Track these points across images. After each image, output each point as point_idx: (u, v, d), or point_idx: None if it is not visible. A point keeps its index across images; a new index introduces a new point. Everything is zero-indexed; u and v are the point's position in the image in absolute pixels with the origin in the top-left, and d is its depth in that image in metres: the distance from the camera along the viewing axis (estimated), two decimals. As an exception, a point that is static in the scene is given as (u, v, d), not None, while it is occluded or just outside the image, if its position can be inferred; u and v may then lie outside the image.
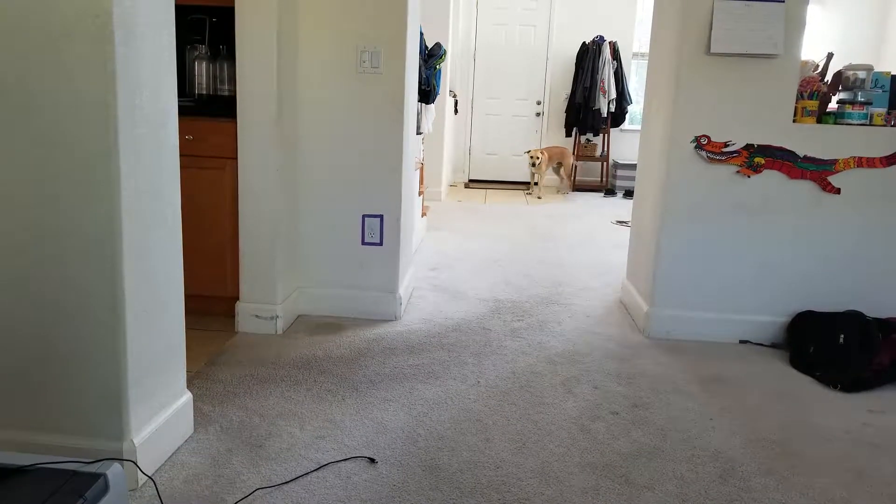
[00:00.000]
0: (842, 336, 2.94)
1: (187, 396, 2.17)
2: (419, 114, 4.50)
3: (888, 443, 2.35)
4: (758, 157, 3.07)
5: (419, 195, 5.09)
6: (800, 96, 3.05)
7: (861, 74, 3.10)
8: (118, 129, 1.73)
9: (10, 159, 1.76)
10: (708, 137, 3.07)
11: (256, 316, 3.07)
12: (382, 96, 3.11)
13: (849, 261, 3.13)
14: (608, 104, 7.80)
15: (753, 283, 3.18)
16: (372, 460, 2.09)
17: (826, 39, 6.33)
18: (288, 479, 1.97)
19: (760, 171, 3.08)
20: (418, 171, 4.96)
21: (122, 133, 1.74)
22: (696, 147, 3.08)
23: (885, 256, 3.12)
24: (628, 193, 7.75)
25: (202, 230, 3.03)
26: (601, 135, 8.17)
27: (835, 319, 3.03)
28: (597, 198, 7.74)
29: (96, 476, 1.39)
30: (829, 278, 3.15)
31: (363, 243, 3.26)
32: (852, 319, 2.99)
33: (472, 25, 8.29)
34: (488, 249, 4.92)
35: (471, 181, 8.57)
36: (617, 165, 8.12)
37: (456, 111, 8.10)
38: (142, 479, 1.89)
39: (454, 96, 7.83)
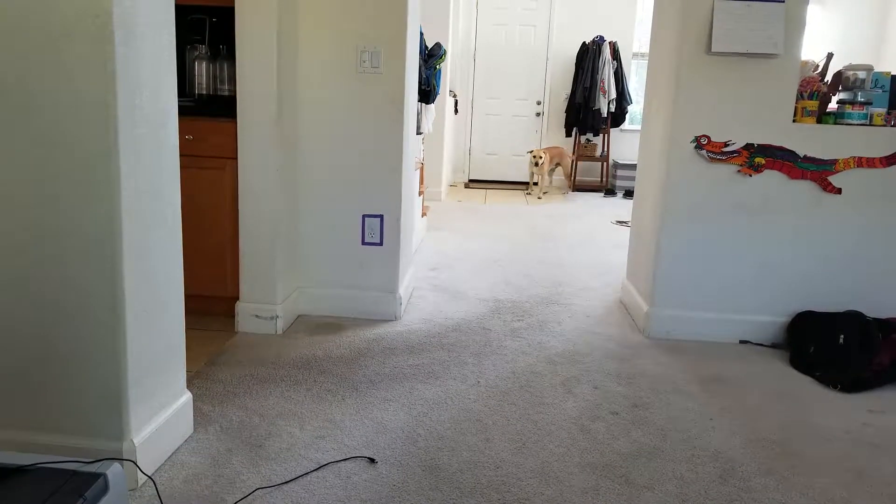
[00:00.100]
0: (842, 336, 2.94)
1: (187, 396, 2.17)
2: (419, 114, 4.50)
3: (888, 443, 2.35)
4: (758, 157, 3.07)
5: (419, 195, 5.09)
6: (800, 96, 3.05)
7: (861, 74, 3.10)
8: (118, 129, 1.73)
9: (10, 159, 1.76)
10: (708, 137, 3.07)
11: (256, 316, 3.07)
12: (382, 96, 3.11)
13: (849, 261, 3.13)
14: (608, 104, 7.80)
15: (753, 283, 3.18)
16: (372, 460, 2.09)
17: (826, 39, 6.33)
18: (288, 479, 1.97)
19: (761, 171, 3.08)
20: (418, 171, 4.96)
21: (122, 133, 1.74)
22: (696, 147, 3.08)
23: (885, 256, 3.12)
24: (628, 193, 7.75)
25: (202, 230, 3.03)
26: (601, 135, 8.17)
27: (835, 319, 3.03)
28: (597, 198, 7.74)
29: (96, 476, 1.39)
30: (829, 278, 3.15)
31: (363, 243, 3.26)
32: (852, 319, 2.99)
33: (472, 25, 8.29)
34: (488, 249, 4.92)
35: (471, 181, 8.57)
36: (617, 165, 8.12)
37: (456, 111, 8.10)
38: (142, 478, 1.89)
39: (454, 96, 7.83)
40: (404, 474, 2.03)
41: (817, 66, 3.29)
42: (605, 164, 8.25)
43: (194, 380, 2.56)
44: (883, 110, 3.08)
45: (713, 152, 3.07)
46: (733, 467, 2.14)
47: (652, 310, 3.25)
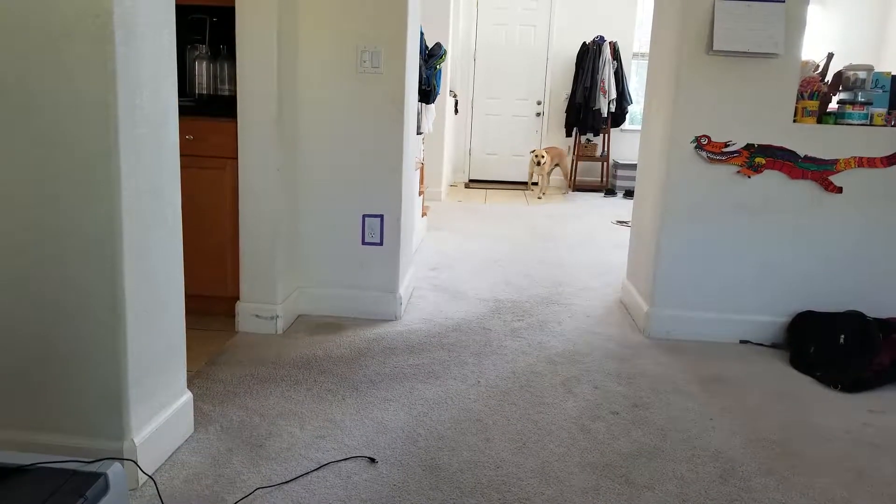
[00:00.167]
0: (842, 336, 2.94)
1: (187, 396, 2.17)
2: (419, 114, 4.50)
3: (888, 443, 2.34)
4: (758, 157, 3.06)
5: (419, 195, 5.09)
6: (800, 96, 3.05)
7: (861, 74, 3.10)
8: (118, 128, 1.73)
9: (10, 159, 1.76)
10: (708, 137, 3.07)
11: (257, 316, 3.07)
12: (382, 96, 3.11)
13: (849, 261, 3.13)
14: (608, 104, 7.80)
15: (754, 283, 3.18)
16: (372, 460, 2.09)
17: (826, 39, 6.32)
18: (288, 479, 1.97)
19: (761, 171, 3.08)
20: (418, 171, 4.96)
21: (123, 133, 1.74)
22: (696, 147, 3.08)
23: (885, 256, 3.12)
24: (628, 193, 7.75)
25: (202, 230, 3.03)
26: (601, 135, 8.17)
27: (835, 319, 3.03)
28: (597, 198, 7.74)
29: (97, 475, 1.39)
30: (829, 278, 3.15)
31: (363, 243, 3.26)
32: (853, 319, 2.99)
33: (473, 25, 8.29)
34: (488, 249, 4.92)
35: (471, 181, 8.57)
36: (617, 165, 8.12)
37: (456, 111, 8.10)
38: (142, 478, 1.89)
39: (454, 96, 7.83)
40: (404, 474, 2.03)
41: (818, 66, 3.29)
42: (605, 164, 8.25)
43: (195, 379, 2.56)
44: (883, 110, 3.08)
45: (713, 152, 3.07)
46: (733, 467, 2.14)
47: (652, 310, 3.25)
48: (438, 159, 6.93)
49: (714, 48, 2.94)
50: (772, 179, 3.09)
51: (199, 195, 2.98)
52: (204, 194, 3.01)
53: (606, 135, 8.14)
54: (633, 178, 4.41)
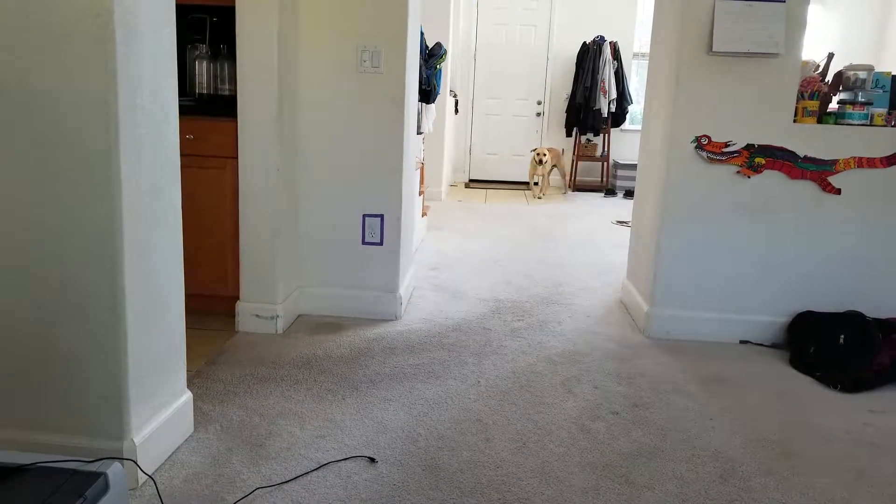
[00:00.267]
0: (842, 336, 2.94)
1: (187, 396, 2.17)
2: (420, 113, 4.50)
3: (888, 443, 2.35)
4: (758, 158, 3.06)
5: (419, 195, 5.09)
6: (800, 96, 3.05)
7: (862, 75, 3.10)
8: (119, 128, 1.73)
9: (10, 159, 1.76)
10: (708, 137, 3.07)
11: (257, 315, 3.07)
12: (383, 96, 3.11)
13: (849, 261, 3.13)
14: (609, 104, 7.80)
15: (754, 284, 3.18)
16: (372, 460, 2.09)
17: (827, 39, 6.32)
18: (288, 479, 1.97)
19: (761, 172, 3.08)
20: (419, 171, 4.96)
21: (123, 132, 1.74)
22: (696, 147, 3.08)
23: (885, 257, 3.12)
24: (629, 193, 7.75)
25: (203, 230, 3.03)
26: (602, 135, 8.16)
27: (835, 320, 3.03)
28: (597, 198, 7.74)
29: (96, 475, 1.39)
30: (829, 278, 3.15)
31: (363, 243, 3.26)
32: (853, 320, 2.99)
33: (473, 25, 8.29)
34: (489, 249, 4.92)
35: (471, 181, 8.57)
36: (617, 165, 8.12)
37: (456, 111, 8.10)
38: (142, 478, 1.90)
39: (455, 96, 7.83)
40: (404, 474, 2.03)
41: (818, 66, 3.29)
42: (605, 164, 8.25)
43: (195, 379, 2.56)
44: (883, 110, 3.08)
45: (713, 152, 3.07)
46: (733, 467, 2.14)
47: (652, 310, 3.25)
48: (439, 159, 6.93)
49: (713, 49, 2.94)
50: (772, 179, 3.09)
51: (200, 195, 2.98)
52: (204, 194, 3.01)
53: (606, 135, 8.14)
54: (633, 178, 4.41)
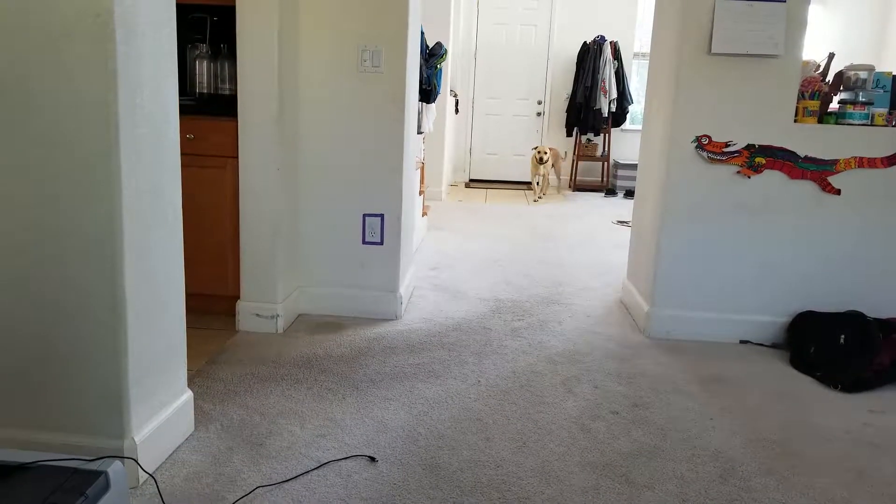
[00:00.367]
0: (842, 336, 2.94)
1: (188, 395, 2.17)
2: (420, 113, 4.51)
3: (889, 443, 2.35)
4: (758, 158, 3.06)
5: (420, 195, 5.09)
6: (801, 96, 3.05)
7: (862, 74, 3.10)
8: (119, 128, 1.73)
9: (10, 159, 1.76)
10: (709, 137, 3.07)
11: (257, 315, 3.07)
12: (383, 95, 3.11)
13: (849, 261, 3.13)
14: (609, 104, 7.80)
15: (754, 283, 3.18)
16: (372, 459, 2.09)
17: (827, 39, 6.32)
18: (288, 478, 1.97)
19: (761, 172, 3.08)
20: (419, 171, 4.97)
21: (123, 132, 1.74)
22: (696, 147, 3.08)
23: (885, 257, 3.12)
24: (629, 193, 7.75)
25: (203, 229, 3.03)
26: (602, 135, 8.16)
27: (835, 319, 3.03)
28: (597, 198, 7.74)
29: (97, 474, 1.40)
30: (829, 278, 3.15)
31: (364, 242, 3.26)
32: (853, 319, 2.99)
33: (473, 25, 8.29)
34: (489, 249, 4.92)
35: (471, 181, 8.57)
36: (618, 165, 8.11)
37: (457, 111, 8.10)
38: (143, 476, 1.90)
39: (455, 96, 7.83)
40: (405, 473, 2.03)
41: (819, 66, 3.28)
42: (605, 164, 8.25)
43: (195, 378, 2.56)
44: (884, 110, 3.08)
45: (714, 152, 3.07)
46: (733, 467, 2.14)
47: (652, 310, 3.25)
48: (439, 159, 6.93)
49: (713, 51, 2.94)
50: (772, 179, 3.09)
51: (200, 194, 2.98)
52: (204, 193, 3.01)
53: (607, 135, 8.14)
54: (633, 178, 4.41)
